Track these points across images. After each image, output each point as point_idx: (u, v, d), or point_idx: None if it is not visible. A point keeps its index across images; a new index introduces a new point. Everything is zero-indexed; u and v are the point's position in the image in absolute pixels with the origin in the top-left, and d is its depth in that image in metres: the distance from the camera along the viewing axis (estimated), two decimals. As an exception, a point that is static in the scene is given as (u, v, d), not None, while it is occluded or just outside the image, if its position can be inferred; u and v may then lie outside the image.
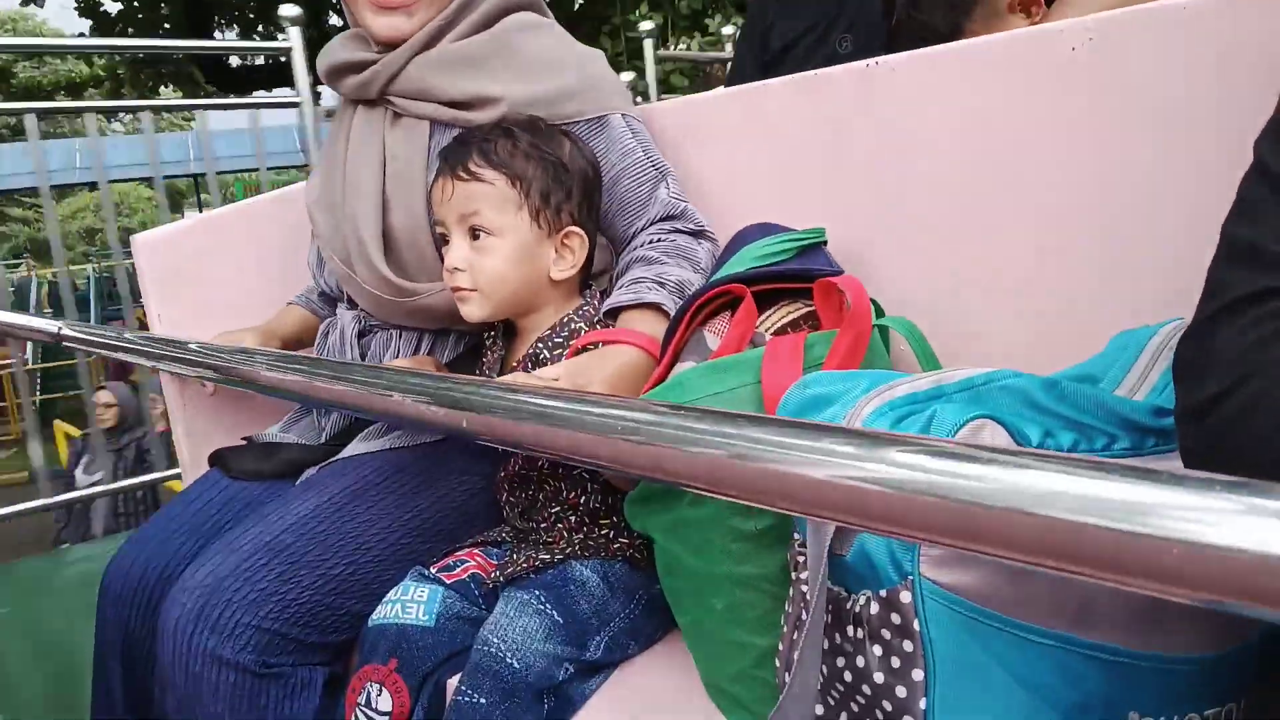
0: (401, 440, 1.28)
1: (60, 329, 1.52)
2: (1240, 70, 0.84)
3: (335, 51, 1.38)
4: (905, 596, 0.68)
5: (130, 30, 9.72)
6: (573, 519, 1.11)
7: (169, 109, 3.49)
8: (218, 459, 1.42)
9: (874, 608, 0.70)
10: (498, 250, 1.13)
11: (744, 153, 1.31)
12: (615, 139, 1.25)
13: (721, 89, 1.39)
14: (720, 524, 0.92)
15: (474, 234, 1.13)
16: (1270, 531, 0.29)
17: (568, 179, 1.15)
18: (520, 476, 1.15)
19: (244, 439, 1.45)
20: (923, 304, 1.07)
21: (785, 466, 0.43)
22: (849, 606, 0.73)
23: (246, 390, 1.39)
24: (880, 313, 1.03)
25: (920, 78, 1.10)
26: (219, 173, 3.33)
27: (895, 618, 0.69)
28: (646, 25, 3.92)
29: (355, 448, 1.30)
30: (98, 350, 1.47)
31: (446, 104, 1.29)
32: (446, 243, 1.17)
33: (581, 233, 1.16)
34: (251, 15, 10.19)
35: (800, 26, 1.91)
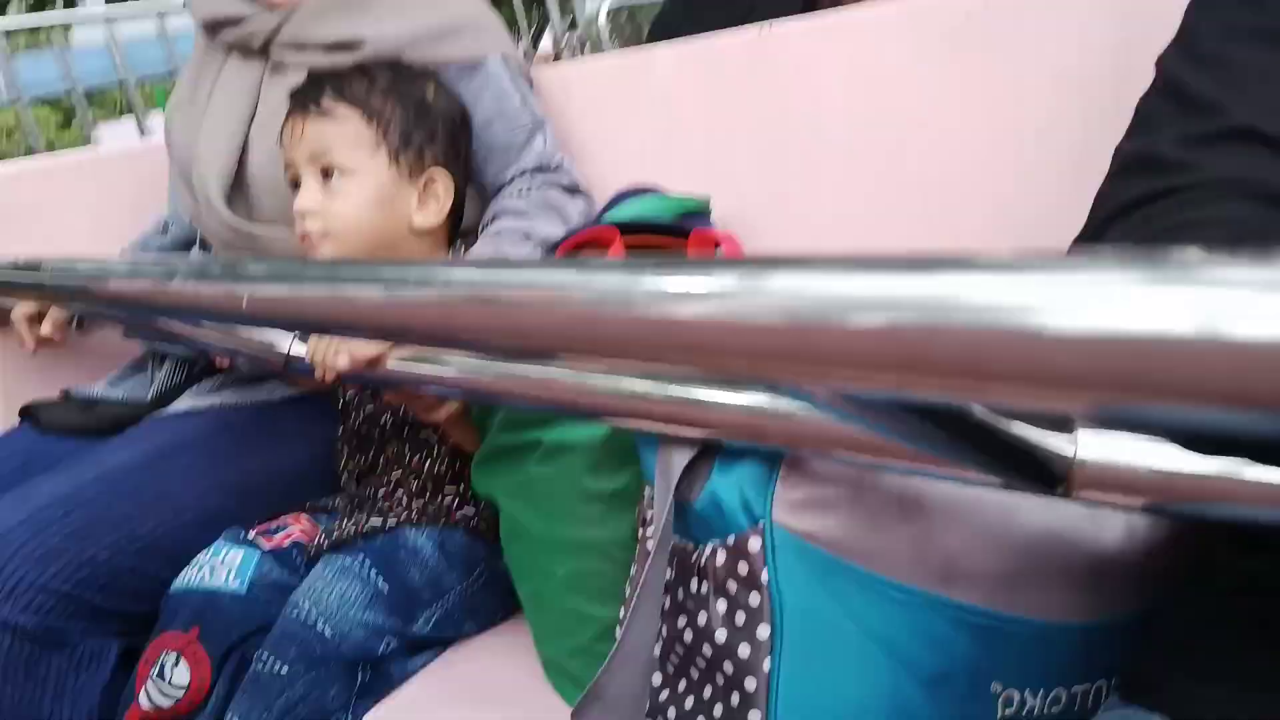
0: (234, 397, 1.17)
1: None
2: (1136, 29, 0.82)
3: (212, 4, 1.26)
4: (755, 543, 0.61)
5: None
6: (414, 484, 1.01)
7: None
8: (28, 412, 1.27)
9: (720, 557, 0.63)
10: (352, 193, 1.03)
11: (630, 120, 1.24)
12: (491, 81, 1.17)
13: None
14: (570, 483, 0.84)
15: (326, 174, 1.03)
16: (1172, 307, 0.23)
17: (430, 119, 1.06)
18: (360, 435, 1.04)
19: (61, 392, 1.31)
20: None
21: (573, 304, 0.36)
22: (694, 559, 0.65)
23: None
24: (758, 277, 0.98)
25: (813, 44, 1.06)
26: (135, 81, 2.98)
27: (743, 567, 0.61)
28: None
29: (182, 403, 1.18)
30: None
31: (323, 49, 1.19)
32: (297, 187, 1.06)
33: (448, 174, 1.07)
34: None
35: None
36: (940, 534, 0.60)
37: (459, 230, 1.15)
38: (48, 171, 1.58)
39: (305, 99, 1.05)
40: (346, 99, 1.04)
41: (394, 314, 0.44)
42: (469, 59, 1.17)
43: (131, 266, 0.72)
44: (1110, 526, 0.59)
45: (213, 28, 1.26)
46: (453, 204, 1.09)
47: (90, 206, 1.56)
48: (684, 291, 0.33)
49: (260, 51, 1.22)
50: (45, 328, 1.29)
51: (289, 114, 1.07)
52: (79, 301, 1.00)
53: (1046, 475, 0.46)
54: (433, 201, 1.06)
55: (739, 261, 0.34)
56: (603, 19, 3.41)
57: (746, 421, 0.59)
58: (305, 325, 0.54)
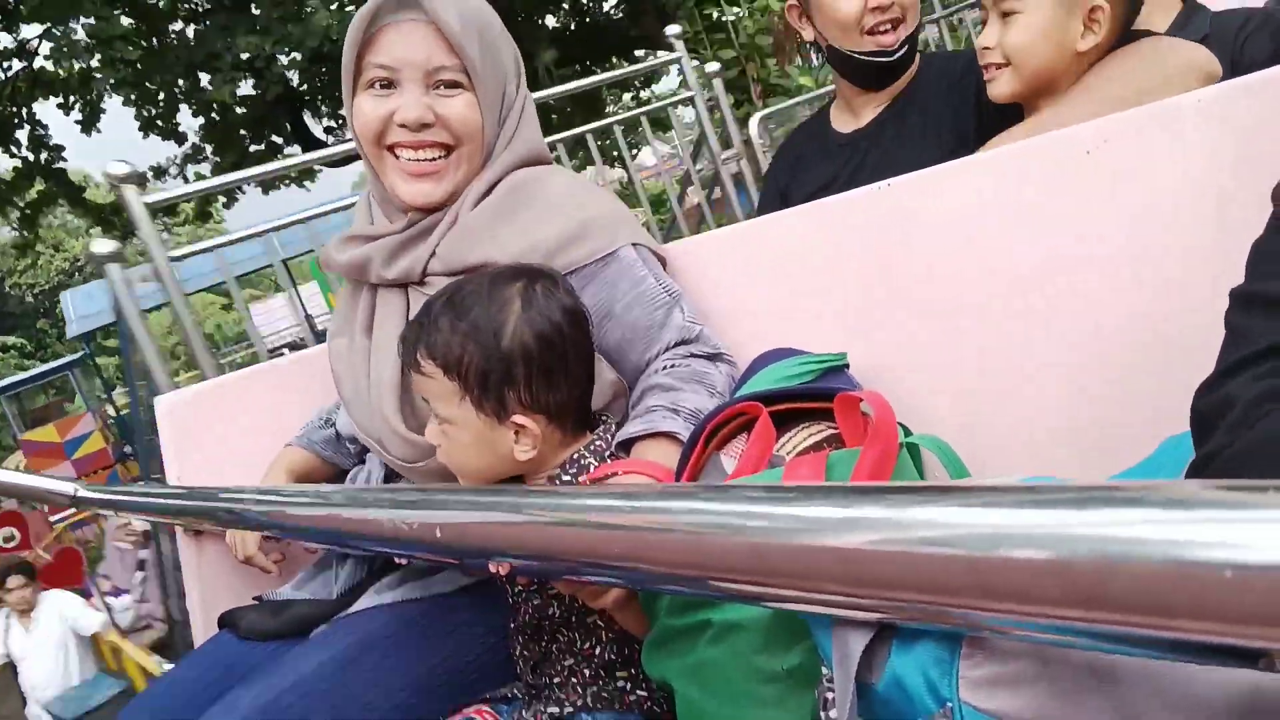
0: (414, 592, 1.21)
1: (76, 490, 1.49)
2: (1256, 155, 0.81)
3: (355, 249, 1.33)
4: (945, 727, 0.60)
5: (211, 145, 10.25)
6: (587, 672, 1.03)
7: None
8: (227, 619, 1.36)
9: (911, 743, 0.61)
10: (456, 439, 1.06)
11: (759, 285, 1.28)
12: (626, 269, 1.23)
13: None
14: (743, 663, 0.83)
15: (440, 420, 1.07)
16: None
17: (506, 361, 1.03)
18: (532, 627, 1.07)
19: (255, 598, 1.40)
20: (953, 422, 1.01)
21: (770, 537, 0.37)
22: (884, 744, 0.64)
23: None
24: (908, 433, 0.97)
25: (932, 194, 1.08)
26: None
27: (935, 753, 0.60)
28: None
29: (366, 601, 1.24)
30: (113, 510, 1.44)
31: (466, 271, 1.26)
32: None
33: (530, 422, 1.04)
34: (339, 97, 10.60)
35: (820, 180, 1.89)
36: (1138, 703, 0.57)
37: (587, 420, 1.14)
38: (222, 387, 1.72)
39: (407, 351, 1.07)
40: (432, 354, 1.04)
41: (573, 542, 0.47)
42: (604, 253, 1.24)
43: (324, 495, 0.78)
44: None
45: (361, 272, 1.34)
46: (575, 403, 1.10)
47: (267, 414, 1.68)
48: (840, 520, 0.35)
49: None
50: (276, 554, 1.43)
51: None
52: (272, 530, 1.07)
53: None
54: (526, 439, 1.05)
55: (895, 490, 0.36)
56: (754, 129, 3.50)
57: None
58: (494, 554, 0.57)
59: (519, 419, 1.03)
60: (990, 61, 1.40)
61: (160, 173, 10.48)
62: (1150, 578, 0.26)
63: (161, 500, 1.36)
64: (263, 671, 1.16)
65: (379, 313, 1.32)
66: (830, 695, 0.71)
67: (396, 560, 1.25)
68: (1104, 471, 0.79)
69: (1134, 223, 0.91)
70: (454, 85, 1.24)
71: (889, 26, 1.60)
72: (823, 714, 0.73)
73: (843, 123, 1.87)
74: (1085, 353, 0.95)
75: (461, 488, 0.60)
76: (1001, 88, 1.38)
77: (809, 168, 1.92)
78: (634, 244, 1.25)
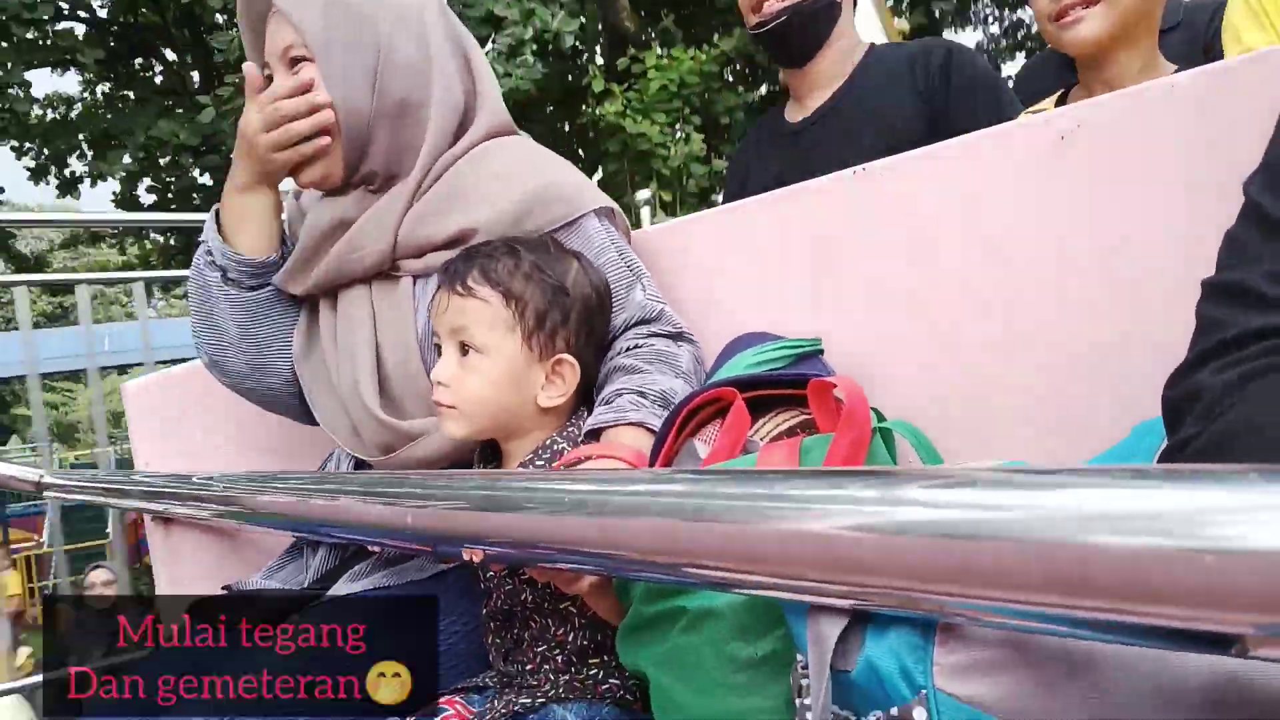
0: (386, 580, 1.20)
1: (41, 477, 1.47)
2: (1229, 142, 0.81)
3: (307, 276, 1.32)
4: (919, 714, 0.59)
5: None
6: (559, 659, 1.02)
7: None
8: (195, 609, 1.34)
9: (885, 729, 0.61)
10: (484, 370, 1.08)
11: (733, 271, 1.27)
12: (588, 239, 1.21)
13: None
14: (717, 651, 0.83)
15: (464, 349, 1.09)
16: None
17: (567, 302, 1.10)
18: (503, 614, 1.06)
19: (224, 587, 1.38)
20: (926, 408, 1.01)
21: (751, 523, 0.37)
22: (858, 731, 0.64)
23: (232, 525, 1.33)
24: (881, 419, 0.97)
25: (905, 180, 1.08)
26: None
27: (909, 739, 0.60)
28: None
29: (338, 589, 1.22)
30: (79, 496, 1.41)
31: (443, 246, 1.25)
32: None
33: (574, 361, 1.10)
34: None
35: (771, 172, 1.87)
36: (1114, 690, 0.57)
37: (588, 395, 1.18)
38: (190, 373, 1.70)
39: (454, 276, 1.10)
40: (490, 281, 1.08)
41: (546, 528, 0.46)
42: (569, 218, 1.23)
43: (295, 482, 0.76)
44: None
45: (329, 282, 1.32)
46: (594, 366, 1.14)
47: (235, 399, 1.66)
48: (814, 505, 0.34)
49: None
50: None
51: (439, 287, 1.13)
52: (242, 518, 1.05)
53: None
54: (559, 382, 1.10)
55: (869, 474, 0.35)
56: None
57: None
58: (467, 541, 0.57)
59: (563, 356, 1.10)
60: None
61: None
62: (1127, 562, 0.26)
63: (128, 487, 1.34)
64: (232, 662, 1.14)
65: (343, 307, 1.30)
66: (805, 682, 0.70)
67: (369, 548, 1.24)
68: (1077, 456, 0.80)
69: (1107, 209, 0.91)
70: (300, 61, 1.23)
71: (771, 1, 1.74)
72: (797, 701, 0.73)
73: (793, 112, 1.91)
74: (1058, 338, 0.96)
75: (433, 473, 0.59)
76: (1087, 30, 1.33)
77: (763, 157, 1.94)
78: (597, 210, 1.24)
